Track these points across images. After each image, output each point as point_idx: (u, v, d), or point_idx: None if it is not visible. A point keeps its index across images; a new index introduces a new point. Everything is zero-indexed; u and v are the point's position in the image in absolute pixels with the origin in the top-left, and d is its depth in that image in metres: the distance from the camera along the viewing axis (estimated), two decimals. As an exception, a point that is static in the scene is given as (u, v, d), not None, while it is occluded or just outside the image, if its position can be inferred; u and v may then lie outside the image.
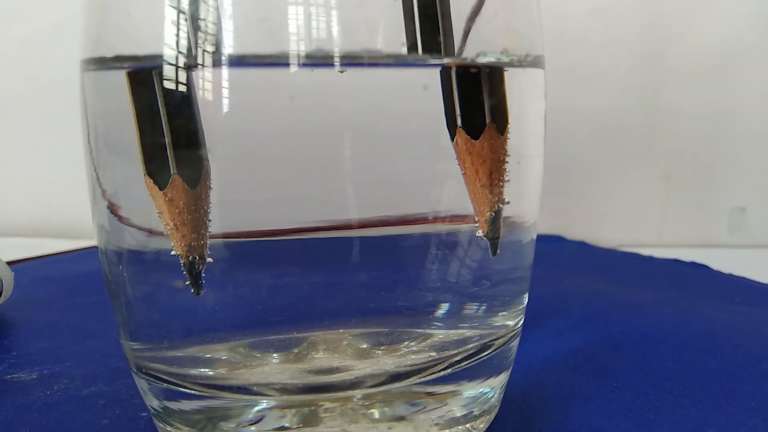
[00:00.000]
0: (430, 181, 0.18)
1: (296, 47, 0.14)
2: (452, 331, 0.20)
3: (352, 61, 0.15)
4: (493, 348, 0.19)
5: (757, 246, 0.48)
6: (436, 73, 0.16)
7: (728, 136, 0.48)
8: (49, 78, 0.46)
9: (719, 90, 0.47)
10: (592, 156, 0.48)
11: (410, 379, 0.18)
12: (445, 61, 0.16)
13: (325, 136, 0.16)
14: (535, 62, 0.18)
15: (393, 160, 0.18)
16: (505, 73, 0.17)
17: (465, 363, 0.19)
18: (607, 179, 0.48)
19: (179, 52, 0.14)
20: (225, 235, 0.18)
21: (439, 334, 0.20)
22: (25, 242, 0.46)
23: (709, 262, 0.39)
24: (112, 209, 0.18)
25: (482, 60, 0.16)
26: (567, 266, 0.38)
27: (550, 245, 0.42)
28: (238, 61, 0.14)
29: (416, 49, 0.15)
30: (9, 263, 0.36)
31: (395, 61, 0.16)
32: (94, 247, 0.20)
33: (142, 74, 0.15)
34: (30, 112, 0.48)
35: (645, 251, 0.42)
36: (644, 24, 0.47)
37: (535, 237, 0.22)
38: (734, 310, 0.31)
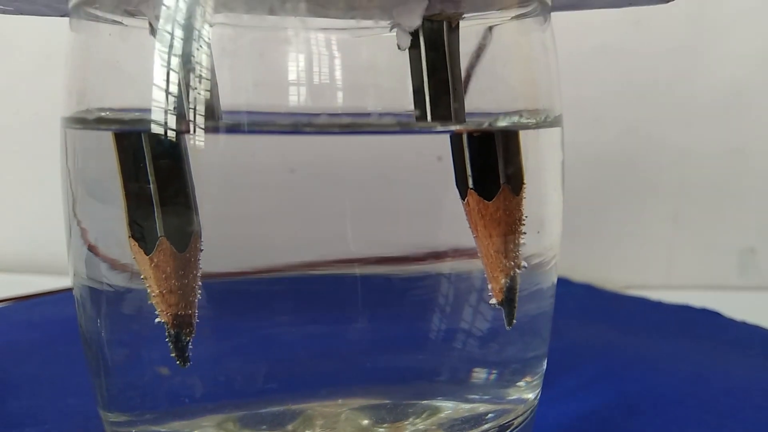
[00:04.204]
0: (437, 242, 0.17)
1: (298, 115, 0.13)
2: (462, 405, 0.18)
3: (357, 129, 0.13)
4: (511, 428, 0.18)
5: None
6: (446, 138, 0.15)
7: (737, 175, 0.46)
8: (36, 110, 0.45)
9: (728, 128, 0.46)
10: (598, 195, 0.46)
11: (419, 471, 0.16)
12: (456, 128, 0.15)
13: (327, 205, 0.14)
14: (554, 122, 0.17)
15: (397, 228, 0.16)
16: (521, 134, 0.16)
17: (480, 449, 0.17)
18: (613, 219, 0.47)
19: (170, 115, 0.13)
20: (215, 296, 0.17)
21: (447, 408, 0.18)
22: (9, 278, 0.45)
23: (719, 305, 0.38)
24: (93, 251, 0.17)
25: (499, 124, 0.15)
26: (574, 313, 0.36)
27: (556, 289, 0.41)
28: (234, 128, 0.13)
29: (425, 116, 0.14)
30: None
31: (403, 129, 0.14)
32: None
33: (131, 136, 0.14)
34: (15, 144, 0.47)
35: (653, 293, 0.41)
36: (651, 61, 0.46)
37: (553, 297, 0.20)
38: (751, 364, 0.30)
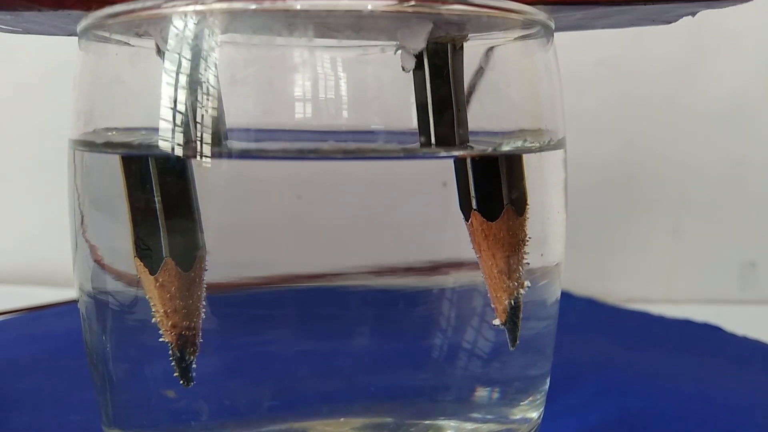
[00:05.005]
0: (440, 260, 0.17)
1: (305, 132, 0.13)
2: (465, 425, 0.18)
3: (362, 154, 0.13)
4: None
5: (768, 302, 0.47)
6: (450, 162, 0.15)
7: (737, 189, 0.47)
8: (39, 123, 0.45)
9: (728, 142, 0.46)
10: (599, 208, 0.47)
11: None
12: (460, 153, 0.15)
13: (331, 224, 0.15)
14: (557, 145, 0.17)
15: (400, 246, 0.17)
16: (524, 157, 0.16)
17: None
18: (614, 232, 0.47)
19: (177, 139, 0.13)
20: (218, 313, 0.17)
21: (450, 428, 0.18)
22: (9, 290, 0.45)
23: (720, 319, 0.38)
24: (101, 267, 0.17)
25: (503, 148, 0.15)
26: (575, 327, 0.36)
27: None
28: (240, 154, 0.13)
29: (430, 141, 0.14)
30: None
31: (407, 154, 0.15)
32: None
33: (138, 159, 0.14)
34: (17, 155, 0.47)
35: (654, 307, 0.41)
36: (653, 75, 0.46)
37: (557, 315, 0.20)
38: (753, 381, 0.30)
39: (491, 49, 0.17)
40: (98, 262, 0.17)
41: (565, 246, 0.20)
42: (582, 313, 0.40)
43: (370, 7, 0.13)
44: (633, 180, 0.47)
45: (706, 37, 0.46)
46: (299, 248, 0.16)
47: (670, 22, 0.19)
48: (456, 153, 0.15)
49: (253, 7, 0.12)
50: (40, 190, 0.46)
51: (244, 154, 0.13)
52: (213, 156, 0.13)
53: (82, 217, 0.17)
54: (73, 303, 0.37)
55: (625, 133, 0.47)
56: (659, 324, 0.38)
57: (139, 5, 0.13)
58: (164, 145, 0.13)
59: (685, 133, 0.46)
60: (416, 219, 0.16)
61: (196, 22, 0.13)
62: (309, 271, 0.16)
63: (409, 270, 0.17)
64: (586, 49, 0.45)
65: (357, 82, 0.14)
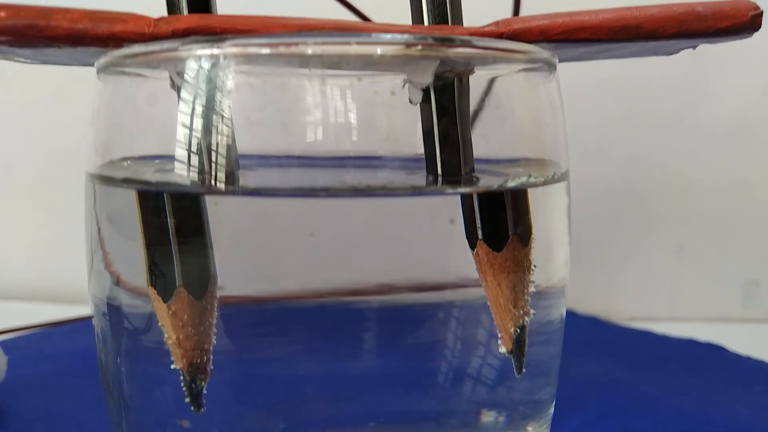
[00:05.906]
0: (446, 283, 0.17)
1: (317, 167, 0.14)
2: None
3: (371, 192, 0.14)
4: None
5: (772, 320, 0.47)
6: (457, 198, 0.15)
7: (741, 207, 0.47)
8: (49, 141, 0.46)
9: (732, 160, 0.47)
10: (602, 226, 0.47)
11: None
12: (466, 190, 0.15)
13: (344, 264, 0.15)
14: (561, 178, 0.17)
15: (407, 270, 0.17)
16: (529, 190, 0.16)
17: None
18: (617, 250, 0.47)
19: (192, 176, 0.14)
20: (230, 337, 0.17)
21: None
22: (20, 307, 0.45)
23: (724, 338, 0.38)
24: (119, 285, 0.18)
25: (509, 185, 0.16)
26: (580, 347, 0.36)
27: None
28: (255, 192, 0.14)
29: (437, 177, 0.15)
30: (2, 332, 0.35)
31: (415, 192, 0.15)
32: (90, 317, 0.19)
33: (153, 195, 0.15)
34: (28, 173, 0.48)
35: (658, 326, 0.41)
36: (656, 92, 0.46)
37: (561, 340, 0.21)
38: (756, 402, 0.30)
39: (493, 80, 0.17)
40: (114, 286, 0.17)
41: (569, 270, 0.20)
42: (586, 332, 0.40)
43: (380, 51, 0.13)
44: (636, 198, 0.47)
45: (709, 54, 0.46)
46: (309, 276, 0.16)
47: (672, 54, 0.20)
48: (462, 190, 0.16)
49: (267, 51, 0.13)
50: (51, 207, 0.47)
51: (257, 192, 0.14)
52: (226, 193, 0.13)
53: (100, 242, 0.17)
54: (85, 320, 0.37)
55: (628, 150, 0.47)
56: (663, 344, 0.38)
57: (156, 47, 0.14)
58: (178, 182, 0.14)
59: (689, 150, 0.47)
60: (425, 249, 0.16)
61: (211, 64, 0.13)
62: (317, 294, 0.17)
63: (417, 295, 0.17)
64: (589, 67, 0.45)
65: (367, 113, 0.15)
